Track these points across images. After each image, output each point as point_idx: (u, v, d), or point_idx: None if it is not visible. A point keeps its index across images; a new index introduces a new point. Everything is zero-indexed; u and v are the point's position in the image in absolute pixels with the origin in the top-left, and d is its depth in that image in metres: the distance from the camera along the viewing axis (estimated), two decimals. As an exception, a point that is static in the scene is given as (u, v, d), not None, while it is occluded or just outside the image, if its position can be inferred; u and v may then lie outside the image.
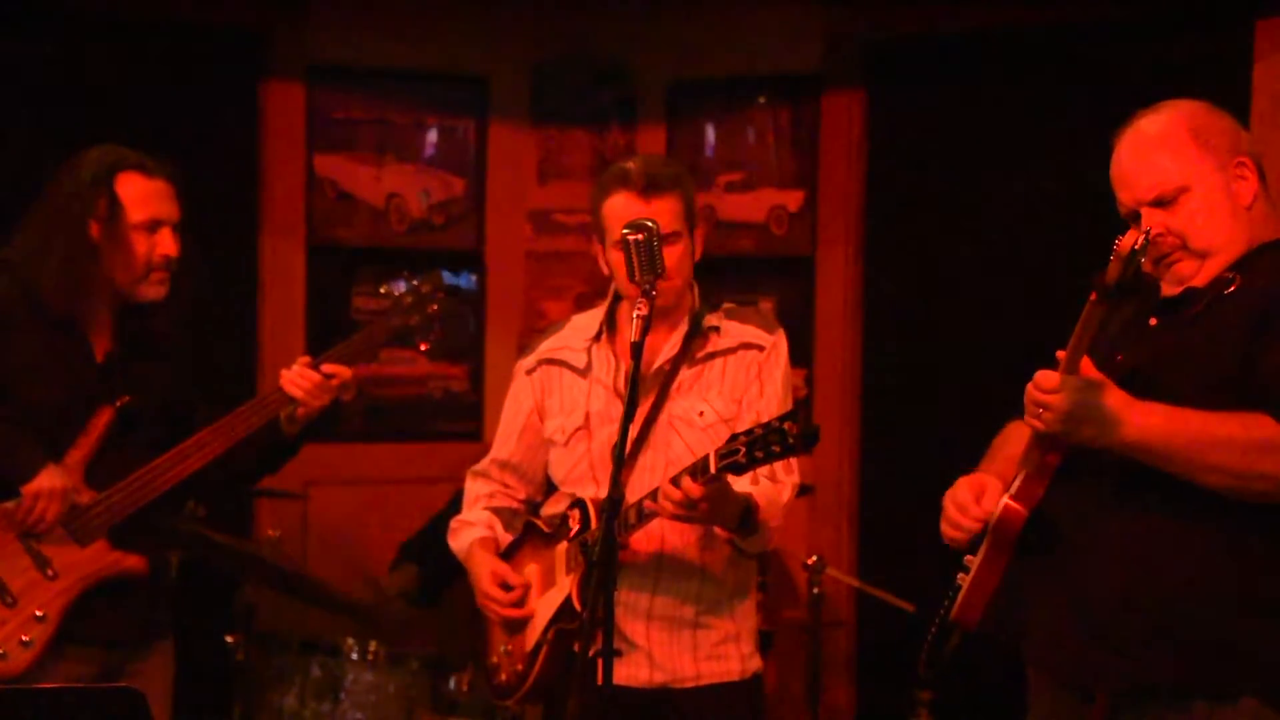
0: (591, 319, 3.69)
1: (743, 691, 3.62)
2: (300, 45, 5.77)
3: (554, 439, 3.67)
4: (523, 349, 3.88)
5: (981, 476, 3.05)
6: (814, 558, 4.86)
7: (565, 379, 3.67)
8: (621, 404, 3.45)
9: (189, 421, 3.71)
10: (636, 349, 3.05)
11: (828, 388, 5.77)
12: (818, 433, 3.13)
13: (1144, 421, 2.78)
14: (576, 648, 3.18)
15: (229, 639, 4.78)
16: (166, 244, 3.63)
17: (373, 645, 4.78)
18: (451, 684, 4.80)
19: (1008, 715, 3.31)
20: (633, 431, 3.46)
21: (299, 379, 3.68)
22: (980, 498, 3.00)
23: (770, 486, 3.47)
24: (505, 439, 3.78)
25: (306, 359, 3.72)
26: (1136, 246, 2.67)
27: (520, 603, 3.61)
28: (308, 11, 5.77)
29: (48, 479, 3.52)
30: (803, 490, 5.30)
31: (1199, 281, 2.92)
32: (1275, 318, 2.79)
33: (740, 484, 3.35)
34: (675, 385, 3.56)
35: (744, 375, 3.57)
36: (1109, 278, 2.69)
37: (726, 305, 3.66)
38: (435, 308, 3.79)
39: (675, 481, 3.25)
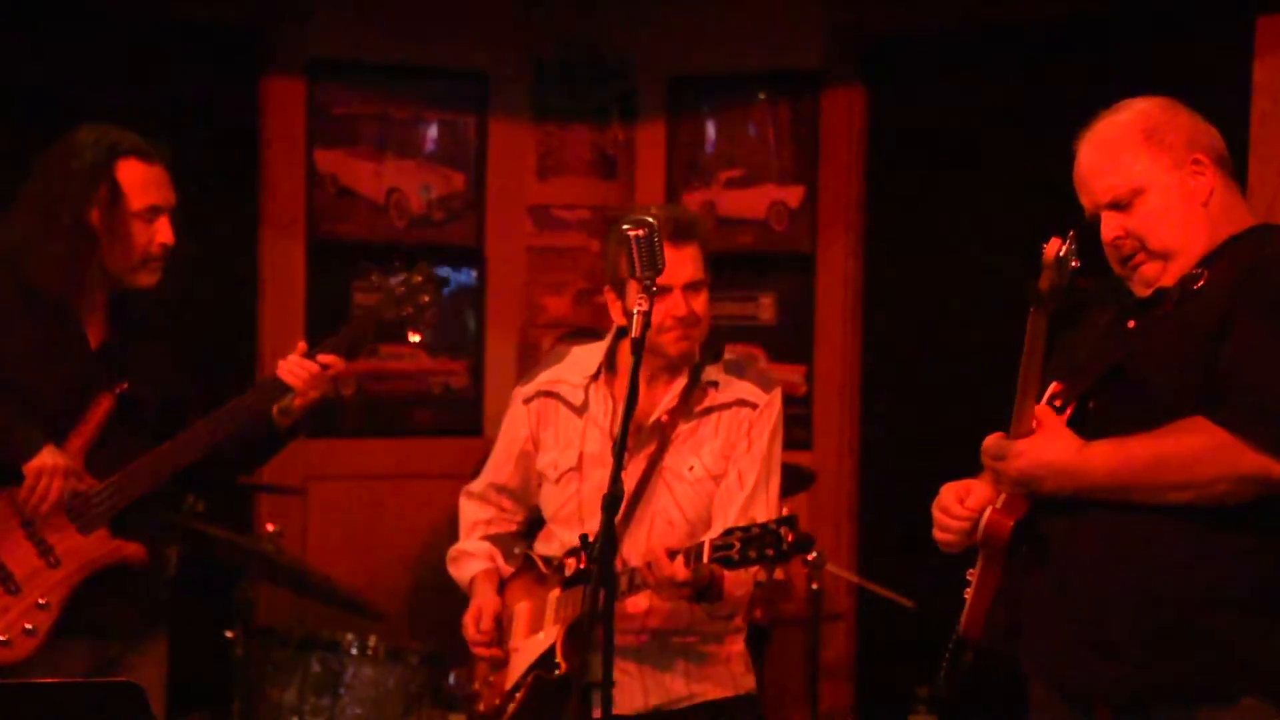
0: (592, 355, 3.68)
1: (740, 705, 3.64)
2: (301, 40, 5.77)
3: (545, 474, 3.67)
4: (528, 342, 3.89)
5: (966, 481, 3.06)
6: (814, 553, 4.85)
7: (561, 414, 3.66)
8: (625, 445, 3.49)
9: (182, 408, 3.71)
10: (637, 345, 3.03)
11: (828, 383, 5.77)
12: (811, 541, 3.24)
13: (1093, 466, 2.83)
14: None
15: (228, 634, 4.77)
16: (165, 232, 3.61)
17: (372, 640, 4.78)
18: (451, 679, 4.80)
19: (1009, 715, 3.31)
20: (630, 484, 3.49)
21: (296, 368, 3.67)
22: (965, 499, 3.01)
23: None
24: (501, 464, 3.79)
25: (303, 346, 3.71)
26: (1061, 253, 2.73)
27: (496, 642, 3.65)
28: (308, 6, 5.76)
29: (50, 456, 3.51)
30: (804, 482, 5.32)
31: (1167, 281, 2.93)
32: (1235, 312, 2.79)
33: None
34: (673, 438, 3.57)
35: (735, 432, 3.58)
36: (1041, 286, 2.74)
37: (727, 357, 3.66)
38: (427, 299, 3.79)
39: (671, 555, 3.32)
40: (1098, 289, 2.99)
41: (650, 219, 3.10)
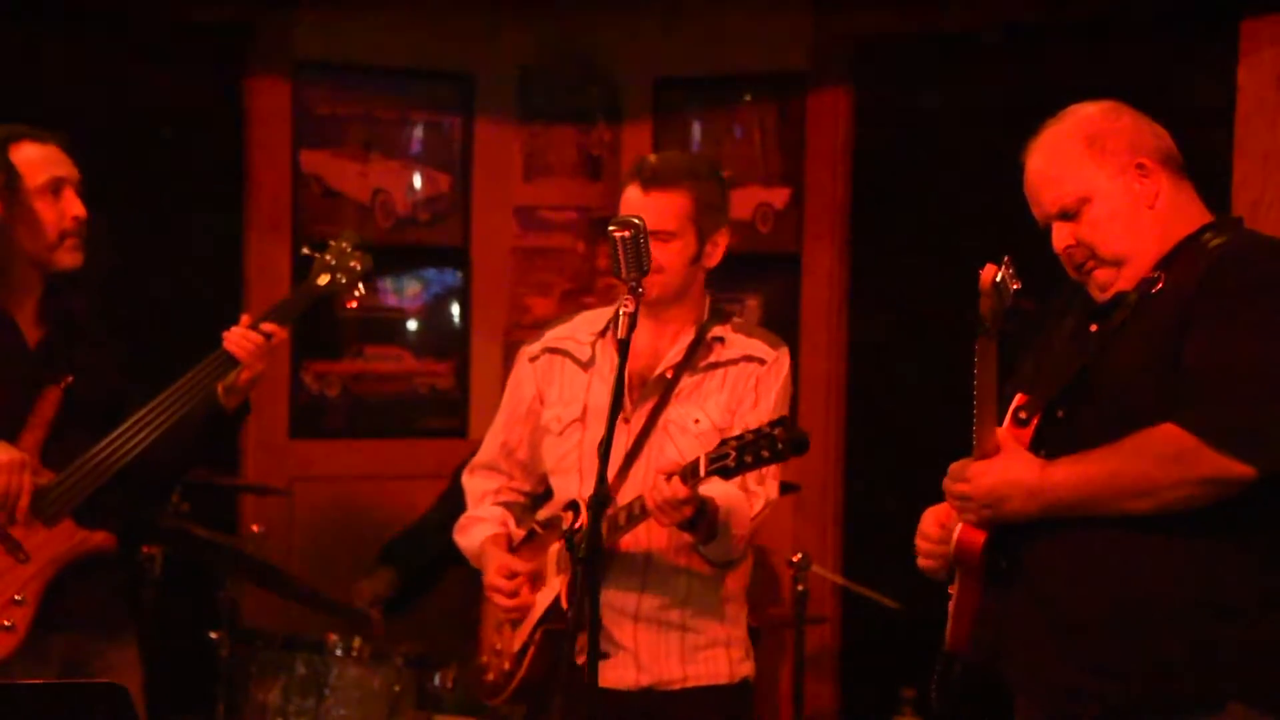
0: (600, 315, 3.70)
1: (730, 695, 3.60)
2: (286, 41, 5.76)
3: (549, 428, 3.66)
4: (513, 343, 3.88)
5: (946, 504, 3.05)
6: (799, 555, 4.85)
7: (567, 369, 3.66)
8: (621, 403, 3.48)
9: (122, 402, 3.69)
10: (623, 346, 3.05)
11: (813, 385, 5.76)
12: (806, 440, 3.15)
13: (1056, 483, 2.82)
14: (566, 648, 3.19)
15: (213, 635, 4.77)
16: (74, 205, 3.62)
17: (357, 642, 4.77)
18: (436, 680, 4.80)
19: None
20: (630, 436, 3.51)
21: (242, 340, 3.68)
22: (945, 524, 3.00)
23: (738, 495, 3.45)
24: (509, 424, 3.76)
25: (247, 318, 3.73)
26: (998, 280, 2.73)
27: (516, 593, 3.60)
28: (294, 7, 5.76)
29: (4, 453, 3.50)
30: (788, 489, 5.32)
31: (1123, 285, 2.92)
32: (1194, 313, 2.79)
33: (705, 489, 3.34)
34: (676, 392, 3.55)
35: (742, 387, 3.56)
36: (982, 313, 2.74)
37: (735, 320, 3.66)
38: (357, 265, 3.85)
39: (668, 477, 3.26)
40: (1043, 310, 2.99)
41: (635, 220, 3.09)
